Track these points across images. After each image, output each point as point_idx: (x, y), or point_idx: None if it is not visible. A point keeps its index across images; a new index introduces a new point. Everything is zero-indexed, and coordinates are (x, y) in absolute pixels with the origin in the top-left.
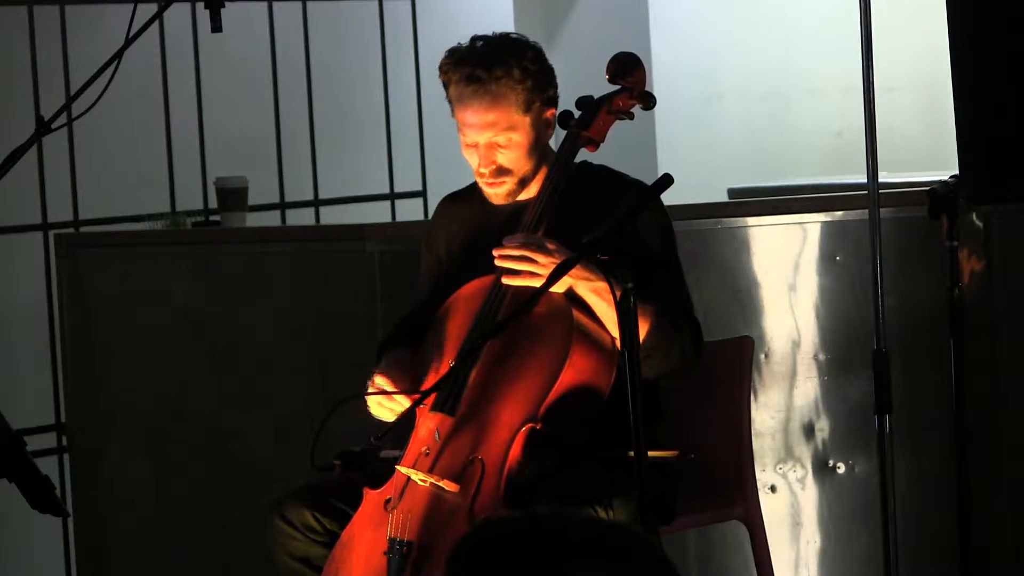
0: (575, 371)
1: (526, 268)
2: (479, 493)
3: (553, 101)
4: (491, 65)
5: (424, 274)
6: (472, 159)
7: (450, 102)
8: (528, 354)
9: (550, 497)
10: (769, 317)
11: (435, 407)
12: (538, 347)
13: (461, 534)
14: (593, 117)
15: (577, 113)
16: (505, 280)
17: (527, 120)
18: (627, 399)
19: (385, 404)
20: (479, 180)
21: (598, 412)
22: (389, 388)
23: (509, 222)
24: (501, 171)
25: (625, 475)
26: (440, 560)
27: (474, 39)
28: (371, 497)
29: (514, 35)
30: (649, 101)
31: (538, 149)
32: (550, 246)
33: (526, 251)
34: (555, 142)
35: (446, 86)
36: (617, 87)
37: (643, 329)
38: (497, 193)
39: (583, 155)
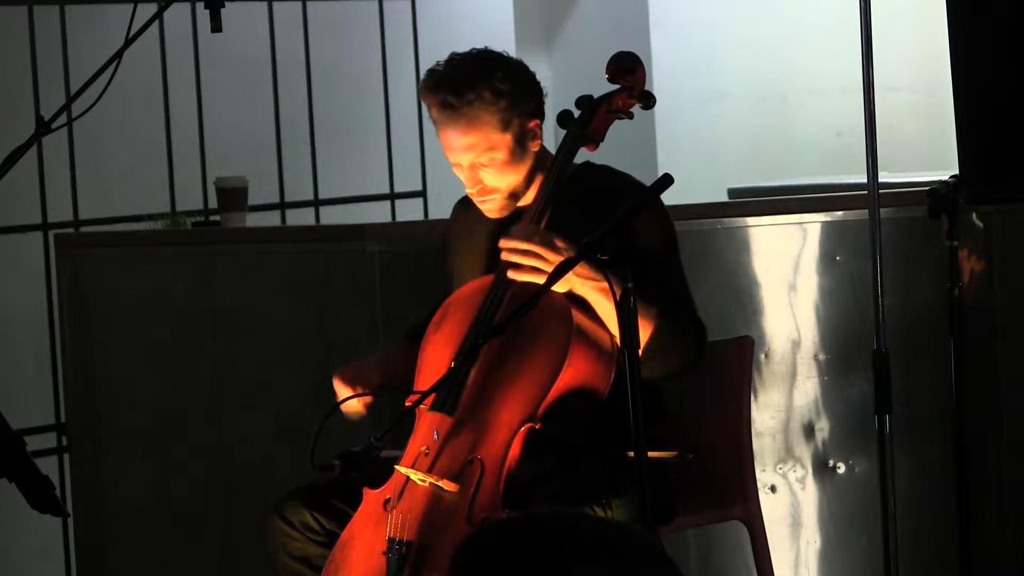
0: (574, 371)
1: (531, 263)
2: (478, 493)
3: (536, 112)
4: (461, 90)
5: (447, 275)
6: (461, 177)
7: (434, 123)
8: (527, 354)
9: (549, 497)
10: (769, 317)
11: (434, 407)
12: (537, 347)
13: (460, 534)
14: (592, 116)
15: (577, 113)
16: (510, 274)
17: (507, 137)
18: (627, 399)
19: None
20: (471, 199)
21: (597, 412)
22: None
23: (512, 222)
24: (487, 189)
25: (624, 475)
26: (438, 560)
27: (449, 58)
28: (370, 497)
29: (487, 52)
30: (649, 100)
31: (524, 162)
32: (558, 243)
33: (533, 245)
34: (556, 142)
35: (428, 108)
36: (617, 86)
37: (645, 331)
38: (490, 209)
39: (584, 154)
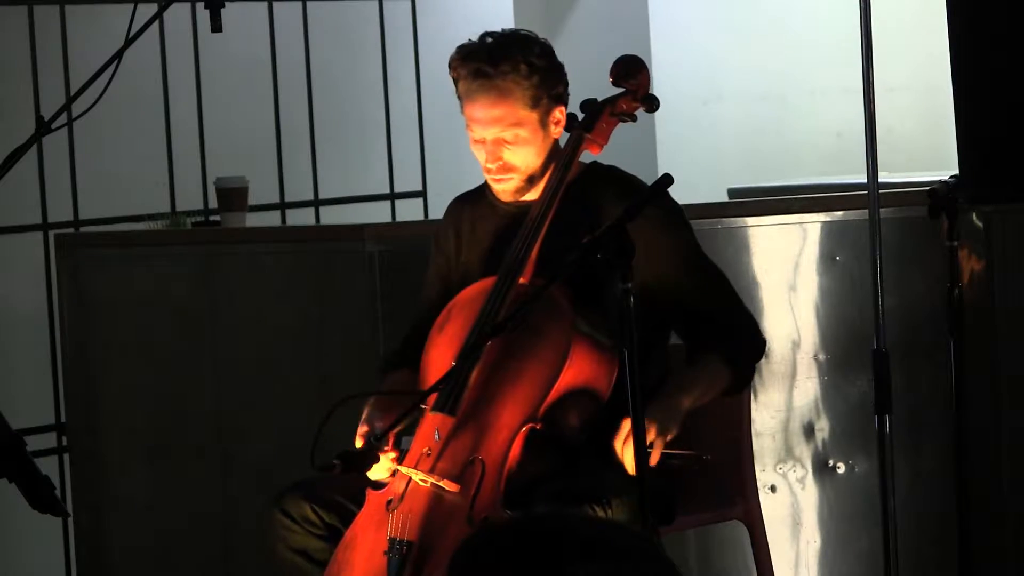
0: (576, 371)
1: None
2: (479, 493)
3: (562, 99)
4: (497, 60)
5: (433, 275)
6: (480, 155)
7: (459, 98)
8: (528, 355)
9: (549, 497)
10: (769, 317)
11: (436, 407)
12: (538, 348)
13: (460, 534)
14: (596, 119)
15: (581, 116)
16: None
17: (534, 116)
18: (627, 397)
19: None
20: (486, 176)
21: (598, 412)
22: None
23: (516, 222)
24: (507, 167)
25: (625, 475)
26: (439, 560)
27: (483, 35)
28: (373, 498)
29: (523, 31)
30: (652, 104)
31: (546, 146)
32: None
33: None
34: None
35: (456, 82)
36: (621, 90)
37: (721, 383)
38: (504, 189)
39: (589, 156)
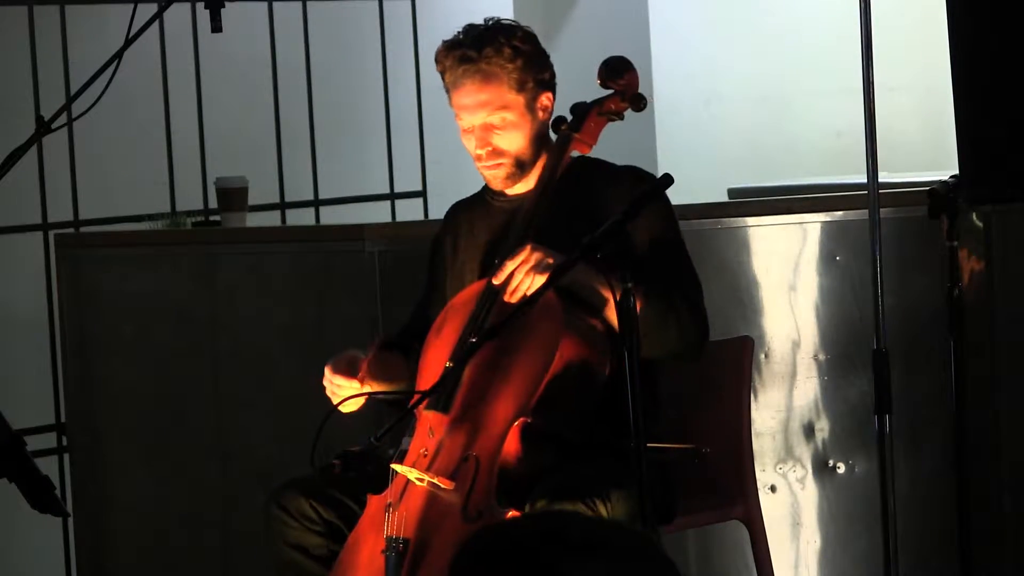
0: (566, 364)
1: (516, 282)
2: (473, 490)
3: (548, 85)
4: (481, 45)
5: (427, 281)
6: (469, 144)
7: (447, 91)
8: (517, 350)
9: (548, 491)
10: (769, 317)
11: (430, 406)
12: (527, 342)
13: (456, 530)
14: (583, 120)
15: (570, 118)
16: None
17: (520, 100)
18: (626, 393)
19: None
20: (477, 165)
21: (594, 404)
22: (328, 374)
23: (509, 223)
24: (497, 152)
25: (624, 469)
26: (435, 556)
27: (466, 27)
28: (374, 501)
29: (506, 20)
30: (640, 103)
31: (535, 132)
32: (536, 255)
33: (524, 272)
34: None
35: (442, 76)
36: (609, 91)
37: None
38: (496, 176)
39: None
